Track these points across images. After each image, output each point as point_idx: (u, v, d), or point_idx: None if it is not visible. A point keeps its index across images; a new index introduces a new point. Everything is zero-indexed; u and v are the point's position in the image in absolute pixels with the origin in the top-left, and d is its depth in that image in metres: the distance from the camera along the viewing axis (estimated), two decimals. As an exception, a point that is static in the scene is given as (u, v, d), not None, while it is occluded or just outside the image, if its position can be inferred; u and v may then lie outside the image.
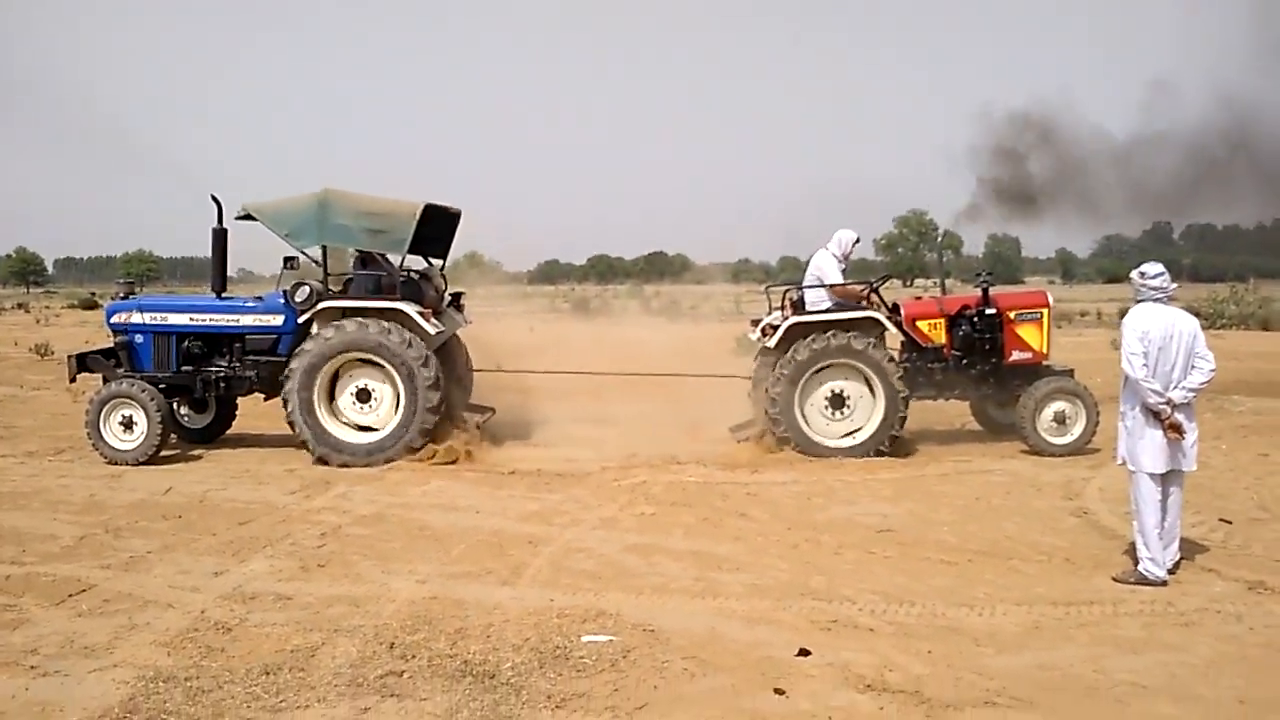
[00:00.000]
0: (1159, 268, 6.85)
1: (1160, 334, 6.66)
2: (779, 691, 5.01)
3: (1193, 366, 6.70)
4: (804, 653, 5.51)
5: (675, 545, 7.75)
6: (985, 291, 11.93)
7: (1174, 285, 6.91)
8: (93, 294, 65.64)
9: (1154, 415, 6.66)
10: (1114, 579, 6.77)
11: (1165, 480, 6.77)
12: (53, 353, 23.97)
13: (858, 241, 12.17)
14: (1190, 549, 7.29)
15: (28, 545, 7.79)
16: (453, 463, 10.93)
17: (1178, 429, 6.63)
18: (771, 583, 6.79)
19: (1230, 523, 8.23)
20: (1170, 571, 6.76)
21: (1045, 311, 11.90)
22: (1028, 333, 11.81)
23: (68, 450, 11.83)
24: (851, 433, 11.39)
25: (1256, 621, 6.01)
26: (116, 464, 10.92)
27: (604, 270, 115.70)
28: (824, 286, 11.72)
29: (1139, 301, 6.91)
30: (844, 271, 12.01)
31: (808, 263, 12.33)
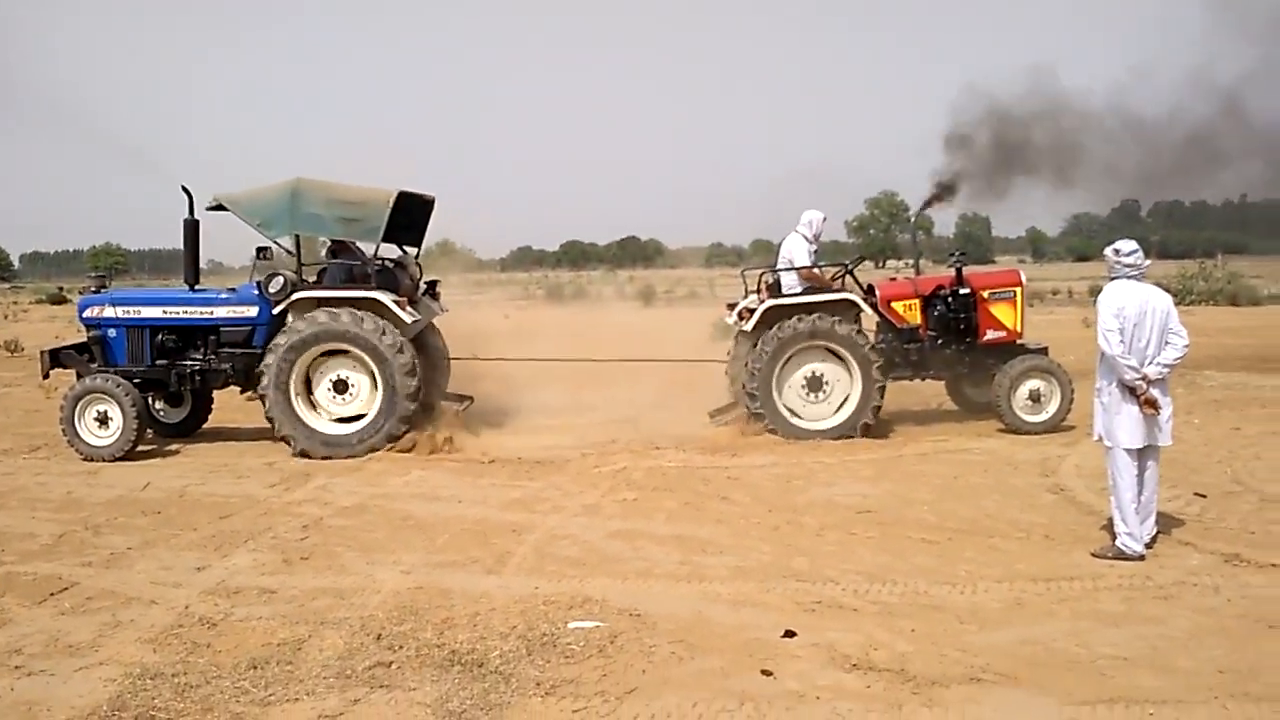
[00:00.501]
0: (1133, 245, 6.92)
1: (1135, 310, 6.73)
2: (766, 673, 5.05)
3: (1166, 342, 6.77)
4: (790, 634, 5.56)
5: (658, 530, 7.78)
6: (959, 271, 12.00)
7: (1147, 262, 6.98)
8: (61, 289, 64.85)
9: (1130, 391, 6.72)
10: (1093, 554, 6.85)
11: (1141, 455, 6.85)
12: (22, 349, 23.72)
13: (825, 220, 12.18)
14: (1166, 523, 7.38)
15: (6, 544, 7.73)
16: (433, 452, 10.91)
17: (1153, 404, 6.70)
18: (755, 565, 6.83)
19: (1205, 496, 8.33)
20: (1147, 546, 6.85)
21: (1018, 290, 11.98)
22: (1001, 311, 11.89)
23: (43, 447, 11.73)
24: (829, 414, 11.44)
25: (1233, 593, 6.09)
26: (93, 460, 10.85)
27: (577, 256, 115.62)
28: (794, 270, 11.76)
29: (1113, 279, 6.96)
30: (815, 252, 12.04)
31: (779, 245, 12.38)
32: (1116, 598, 6.10)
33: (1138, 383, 6.67)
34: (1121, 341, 6.68)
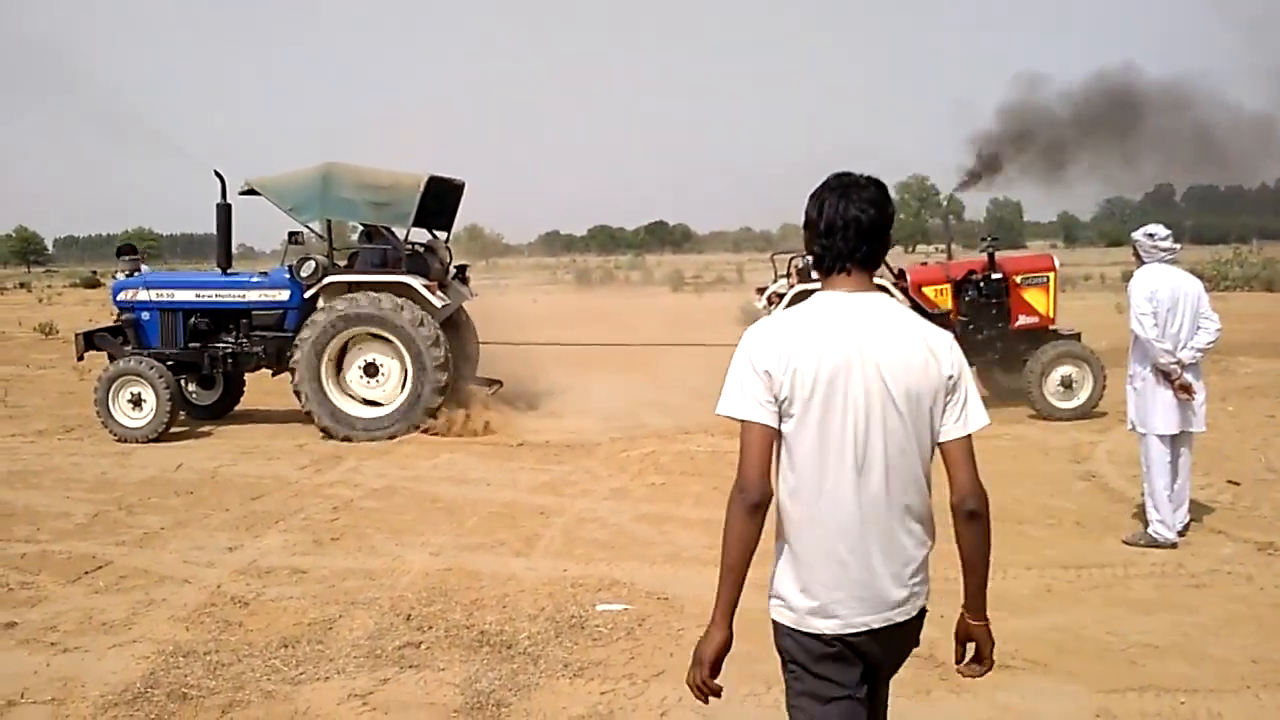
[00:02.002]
0: (1167, 230, 6.85)
1: (1168, 295, 6.66)
2: (794, 657, 5.04)
3: (1199, 327, 6.70)
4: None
5: (686, 514, 7.79)
6: (991, 256, 11.91)
7: (1179, 247, 6.91)
8: (94, 272, 65.54)
9: (1164, 376, 6.65)
10: (1124, 541, 6.80)
11: (1175, 442, 6.78)
12: (57, 332, 24.01)
13: None
14: (1199, 511, 7.32)
15: (42, 523, 7.84)
16: (463, 435, 10.96)
17: (1188, 389, 6.63)
18: (783, 550, 6.81)
19: (1238, 484, 8.25)
20: (1180, 533, 6.79)
21: (1051, 275, 11.89)
22: (1034, 297, 11.80)
23: (77, 429, 11.88)
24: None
25: (1266, 582, 6.03)
26: (126, 441, 10.97)
27: (605, 241, 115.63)
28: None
29: (1144, 263, 6.89)
30: None
31: None
32: (1148, 585, 6.05)
33: (1172, 367, 6.60)
34: (1156, 325, 6.61)
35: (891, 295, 11.27)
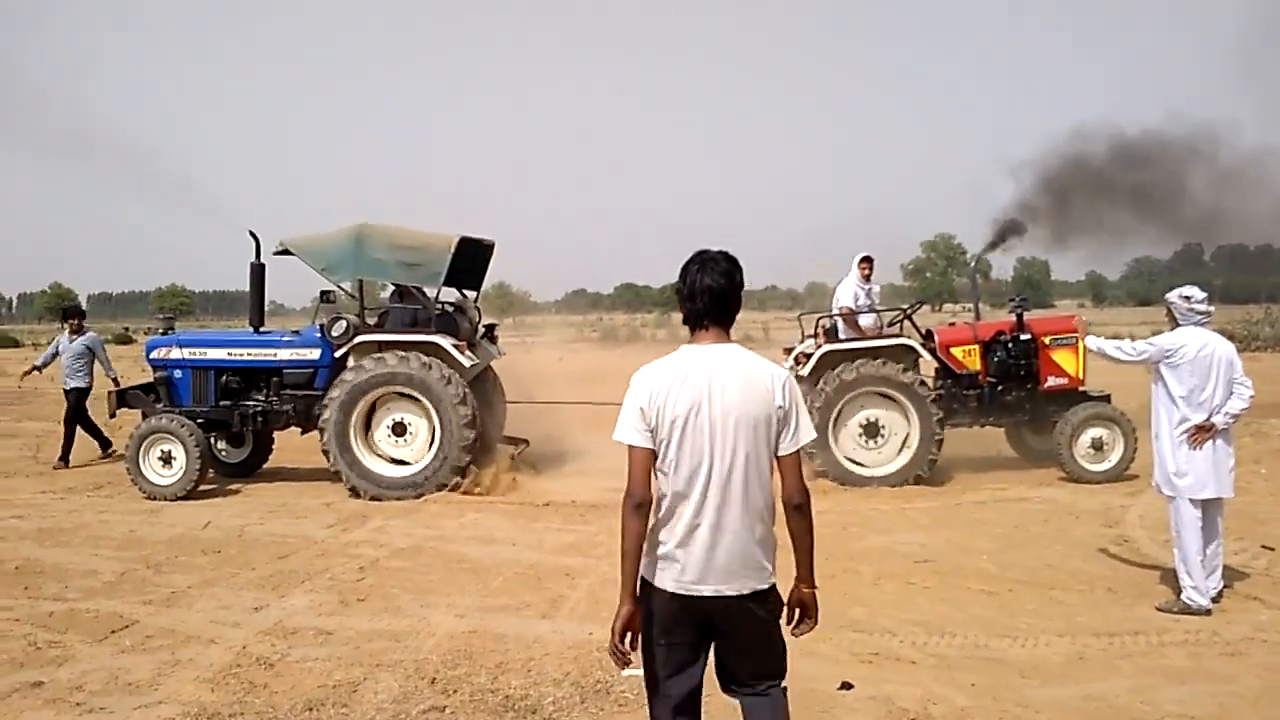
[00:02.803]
0: (1203, 293, 6.83)
1: (1193, 354, 6.63)
2: (822, 725, 4.99)
3: (1231, 392, 6.66)
4: (846, 686, 5.49)
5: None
6: (1019, 316, 11.87)
7: (1213, 310, 6.89)
8: (126, 329, 66.31)
9: (1195, 435, 6.61)
10: (1157, 608, 6.70)
11: (1206, 507, 6.71)
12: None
13: (868, 259, 12.13)
14: (1233, 577, 7.21)
15: (70, 581, 7.87)
16: (489, 494, 10.96)
17: (1205, 429, 6.60)
18: (811, 614, 6.75)
19: (1273, 549, 8.13)
20: (1214, 600, 6.69)
21: (1079, 336, 11.83)
22: (1063, 358, 11.74)
23: (106, 486, 11.96)
24: (887, 461, 11.34)
25: (1304, 650, 5.93)
26: (155, 499, 11.03)
27: (631, 299, 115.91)
28: (839, 315, 11.79)
29: (1177, 325, 6.86)
30: (869, 292, 12.02)
31: (835, 289, 12.38)
32: (1182, 653, 5.95)
33: (1204, 423, 6.58)
34: (1139, 356, 6.71)
35: (919, 355, 11.37)
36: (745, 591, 3.44)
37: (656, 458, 3.42)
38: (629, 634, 3.41)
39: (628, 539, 3.39)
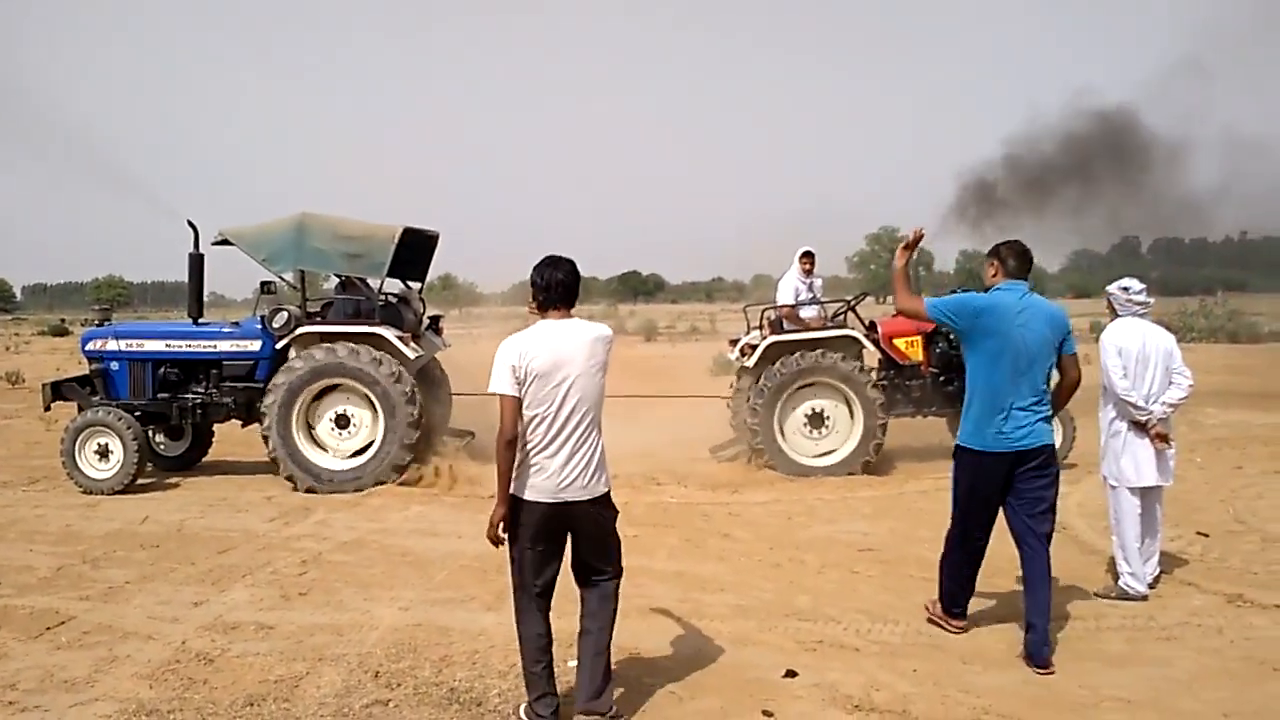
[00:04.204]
0: (1140, 283, 6.93)
1: (1136, 348, 6.73)
2: (767, 714, 5.01)
3: (1170, 382, 6.77)
4: (790, 674, 5.52)
5: (658, 566, 7.74)
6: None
7: (1152, 301, 6.98)
8: (63, 320, 65.05)
9: (1140, 427, 6.70)
10: (1095, 594, 6.82)
11: (1145, 495, 6.82)
12: (24, 380, 23.74)
13: (809, 253, 12.21)
14: (1169, 563, 7.35)
15: (4, 577, 7.70)
16: (436, 487, 10.88)
17: (1164, 438, 6.69)
18: (756, 603, 6.80)
19: (1207, 536, 8.30)
20: (1150, 586, 6.82)
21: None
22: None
23: (42, 480, 11.71)
24: (831, 451, 11.43)
25: (1237, 634, 6.06)
26: (92, 493, 10.82)
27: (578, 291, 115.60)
28: (781, 306, 11.89)
29: (1118, 316, 6.97)
30: (811, 285, 12.12)
31: (779, 281, 12.46)
32: (1120, 639, 6.06)
33: (1145, 418, 6.65)
34: (1125, 377, 6.67)
35: (863, 346, 11.46)
36: (597, 495, 4.76)
37: (522, 403, 4.61)
38: (501, 526, 4.68)
39: (502, 464, 4.64)
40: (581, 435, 4.67)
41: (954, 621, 6.20)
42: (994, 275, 5.97)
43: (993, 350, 5.70)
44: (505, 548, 4.79)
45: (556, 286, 4.76)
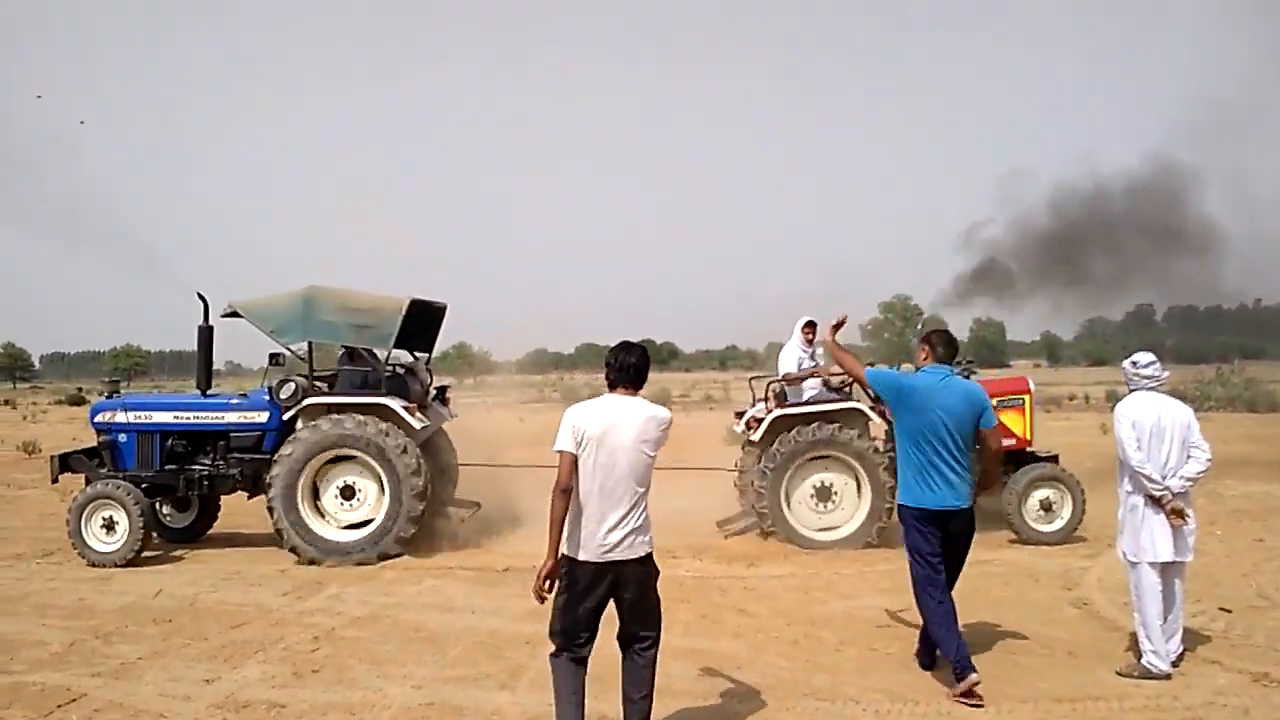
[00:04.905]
0: (1150, 356, 6.93)
1: (1150, 422, 6.70)
2: (786, 798, 4.92)
3: (1189, 456, 6.72)
4: (809, 756, 5.43)
5: (675, 643, 7.64)
6: (967, 379, 11.94)
7: (1165, 374, 6.96)
8: (80, 389, 65.33)
9: (1155, 502, 6.65)
10: (1118, 673, 6.71)
11: (1166, 571, 6.74)
12: (40, 450, 23.83)
13: (810, 323, 12.17)
14: (1192, 640, 7.24)
15: (16, 652, 7.66)
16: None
17: (1180, 513, 6.62)
18: (774, 682, 6.71)
19: (1230, 611, 8.18)
20: (1174, 664, 6.71)
21: (1027, 398, 11.96)
22: (1010, 419, 11.83)
23: (56, 552, 11.69)
24: (838, 525, 11.34)
25: (1262, 715, 5.95)
26: (99, 566, 10.79)
27: (593, 358, 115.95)
28: (783, 380, 11.83)
29: (1132, 390, 6.96)
30: (814, 354, 12.05)
31: (780, 352, 12.44)
32: (1144, 719, 5.95)
33: (1161, 493, 6.60)
34: (1140, 450, 6.64)
35: (869, 418, 11.41)
36: (639, 555, 5.17)
37: (579, 461, 5.09)
38: (548, 581, 5.03)
39: (556, 514, 5.06)
40: (629, 499, 5.11)
41: (971, 676, 6.28)
42: (924, 358, 6.84)
43: (915, 424, 6.59)
44: (550, 602, 5.16)
45: (627, 369, 5.26)
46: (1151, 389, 6.88)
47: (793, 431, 11.34)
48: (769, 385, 12.25)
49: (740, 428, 12.27)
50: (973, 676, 6.25)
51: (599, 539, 5.07)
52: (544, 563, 5.03)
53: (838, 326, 7.50)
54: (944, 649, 6.51)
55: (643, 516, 5.20)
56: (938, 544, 6.67)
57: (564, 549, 5.08)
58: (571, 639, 5.19)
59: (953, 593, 6.64)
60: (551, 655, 5.30)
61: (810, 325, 12.20)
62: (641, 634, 5.30)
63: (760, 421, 11.74)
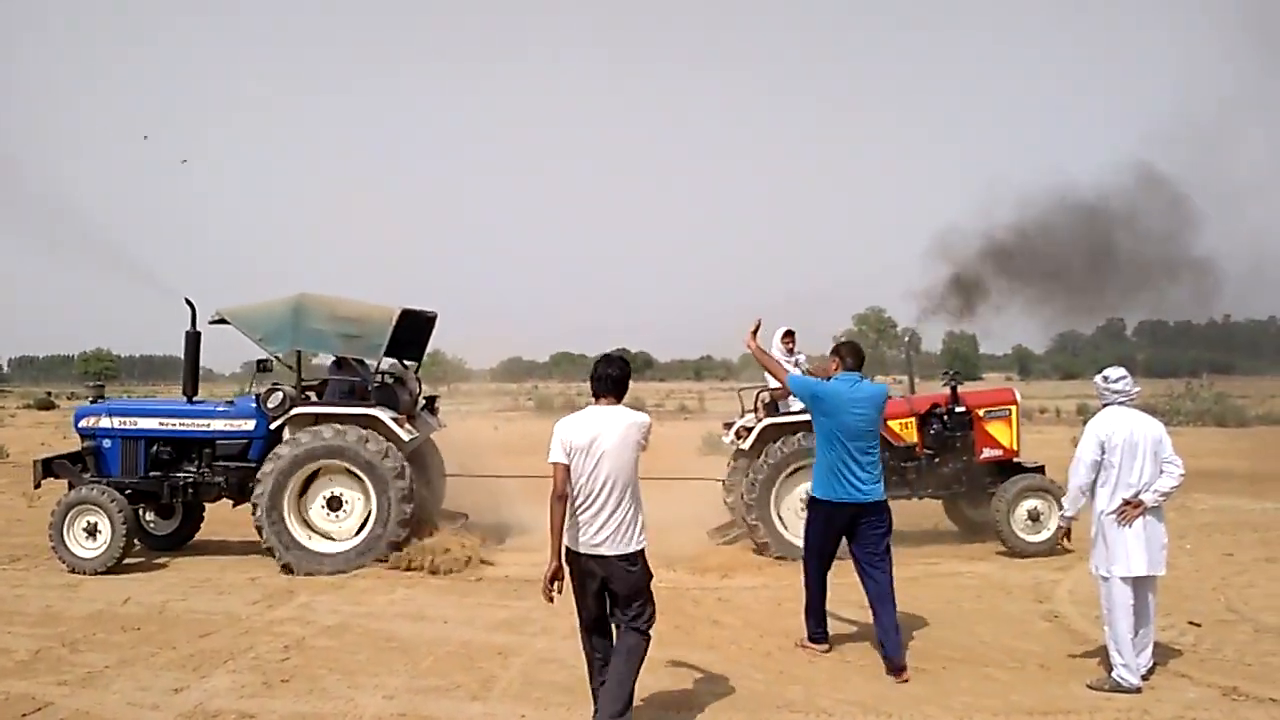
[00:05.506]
0: (1121, 371, 6.98)
1: (1123, 437, 6.75)
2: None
3: (1161, 470, 6.77)
4: (782, 768, 5.43)
5: (650, 654, 7.61)
6: (954, 389, 12.03)
7: (1137, 389, 7.02)
8: (49, 394, 64.66)
9: (1125, 512, 6.70)
10: (1089, 686, 6.75)
11: (1138, 585, 6.78)
12: (8, 455, 23.59)
13: (789, 332, 12.22)
14: (1162, 653, 7.28)
15: (-20, 661, 7.57)
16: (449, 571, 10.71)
17: (1135, 505, 6.70)
18: (747, 694, 6.70)
19: (1200, 625, 8.24)
20: (1144, 678, 6.74)
21: (1014, 408, 12.03)
22: (998, 430, 11.91)
23: (24, 558, 11.56)
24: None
25: (1233, 729, 5.99)
26: (78, 572, 10.68)
27: (568, 367, 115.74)
28: (768, 390, 11.87)
29: (1104, 405, 7.01)
30: (796, 363, 12.05)
31: None
32: (1114, 733, 5.98)
33: (1068, 521, 7.17)
34: (1089, 472, 6.79)
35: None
36: (629, 550, 5.66)
37: (570, 470, 5.62)
38: (556, 581, 5.54)
39: (555, 520, 5.60)
40: (614, 500, 5.62)
41: (818, 646, 7.70)
42: (836, 368, 7.57)
43: (830, 426, 7.34)
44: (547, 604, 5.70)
45: (605, 379, 5.79)
46: (1123, 404, 6.93)
47: (779, 442, 11.36)
48: (758, 395, 12.27)
49: (729, 438, 12.28)
50: (819, 648, 7.66)
51: (589, 536, 5.61)
52: (549, 566, 5.52)
53: (754, 332, 8.13)
54: (811, 620, 7.79)
55: (629, 514, 5.67)
56: (835, 543, 7.61)
57: (565, 542, 5.62)
58: (583, 617, 5.88)
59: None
60: (579, 626, 5.98)
61: (789, 334, 12.24)
62: (630, 626, 5.74)
63: (750, 431, 11.75)
